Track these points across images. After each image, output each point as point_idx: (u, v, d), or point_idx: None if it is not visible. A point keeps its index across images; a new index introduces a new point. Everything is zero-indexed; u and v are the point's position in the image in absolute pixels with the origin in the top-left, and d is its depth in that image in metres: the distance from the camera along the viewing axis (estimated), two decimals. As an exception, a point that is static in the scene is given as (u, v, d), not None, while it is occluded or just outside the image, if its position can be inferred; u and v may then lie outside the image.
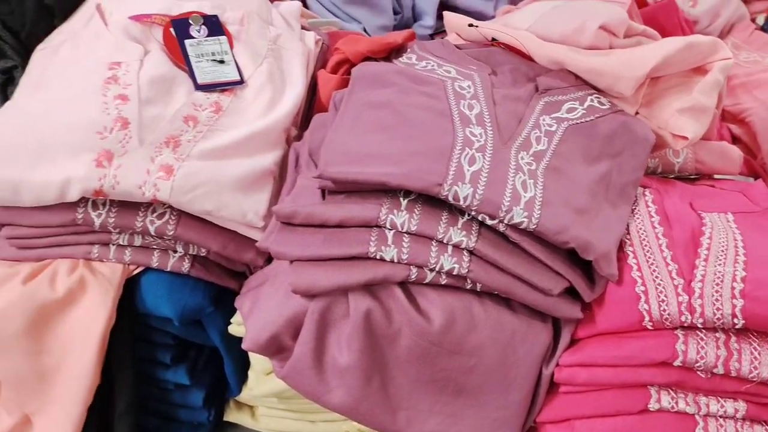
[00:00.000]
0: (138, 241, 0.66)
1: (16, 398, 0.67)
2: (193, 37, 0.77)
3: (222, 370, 0.73)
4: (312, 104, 0.81)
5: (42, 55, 0.78)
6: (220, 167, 0.66)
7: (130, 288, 0.67)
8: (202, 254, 0.68)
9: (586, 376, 0.63)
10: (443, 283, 0.62)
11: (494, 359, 0.63)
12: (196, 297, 0.68)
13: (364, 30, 1.01)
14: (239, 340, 0.70)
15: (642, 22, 0.90)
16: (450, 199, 0.59)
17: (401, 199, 0.62)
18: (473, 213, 0.60)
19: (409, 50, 0.83)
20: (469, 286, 0.62)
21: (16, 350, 0.64)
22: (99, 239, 0.66)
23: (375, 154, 0.62)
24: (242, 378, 0.74)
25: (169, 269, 0.67)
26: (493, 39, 0.81)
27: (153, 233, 0.65)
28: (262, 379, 0.72)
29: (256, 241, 0.68)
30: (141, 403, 0.69)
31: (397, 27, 1.04)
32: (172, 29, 0.76)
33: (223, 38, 0.77)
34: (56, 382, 0.65)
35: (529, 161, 0.65)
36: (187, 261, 0.68)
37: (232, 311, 0.70)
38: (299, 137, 0.77)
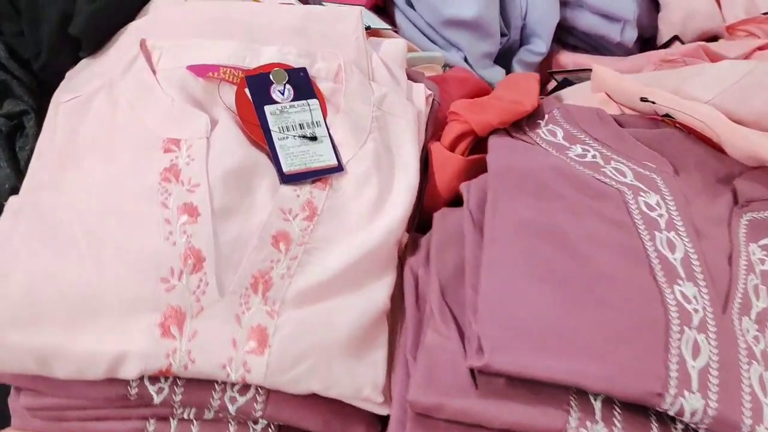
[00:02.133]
0: (209, 414, 0.48)
1: None
2: (276, 102, 0.56)
3: None
4: (422, 190, 0.61)
5: (68, 111, 0.56)
6: (325, 322, 0.48)
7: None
8: (291, 423, 0.50)
9: None
10: None
11: None
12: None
13: (465, 60, 0.79)
14: None
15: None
16: (672, 413, 0.42)
17: (593, 400, 0.44)
18: (699, 429, 0.43)
19: (547, 117, 0.63)
20: None
21: None
22: (156, 413, 0.47)
23: (558, 334, 0.44)
24: None
25: (249, 446, 0.49)
26: (666, 114, 0.61)
27: (233, 413, 0.47)
28: None
29: (367, 412, 0.50)
30: None
31: (499, 52, 0.83)
32: (247, 90, 0.56)
33: (315, 103, 0.57)
34: None
35: (755, 334, 0.47)
36: (272, 432, 0.50)
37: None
38: (412, 246, 0.57)
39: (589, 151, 0.58)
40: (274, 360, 0.45)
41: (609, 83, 0.64)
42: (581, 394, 0.44)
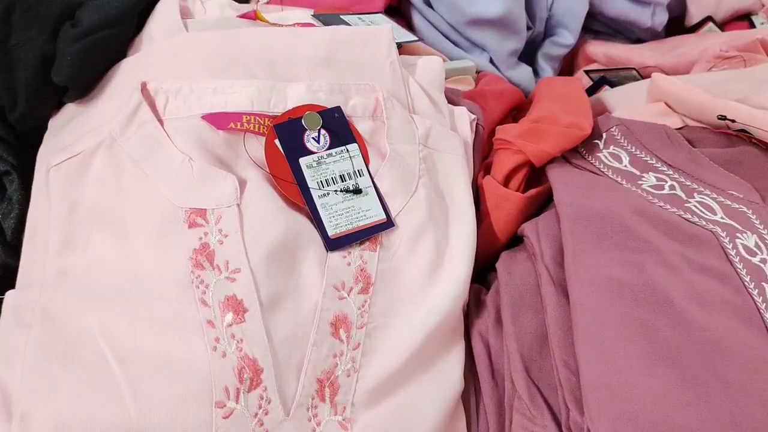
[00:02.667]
0: None
1: None
2: (311, 152, 0.48)
3: None
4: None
5: (61, 178, 0.47)
6: (403, 422, 0.41)
7: None
8: None
9: None
10: None
11: None
12: None
13: (491, 61, 0.72)
14: None
15: None
16: None
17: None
18: None
19: (605, 137, 0.57)
20: None
21: None
22: None
23: (684, 427, 0.38)
24: None
25: None
26: (741, 129, 0.55)
27: None
28: None
29: None
30: None
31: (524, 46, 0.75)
32: (277, 141, 0.48)
33: (354, 148, 0.49)
34: None
35: None
36: None
37: None
38: (476, 304, 0.51)
39: (665, 181, 0.52)
40: None
41: (673, 94, 0.58)
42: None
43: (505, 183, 0.54)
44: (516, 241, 0.55)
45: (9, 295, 0.45)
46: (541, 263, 0.48)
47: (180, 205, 0.44)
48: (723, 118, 0.54)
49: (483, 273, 0.54)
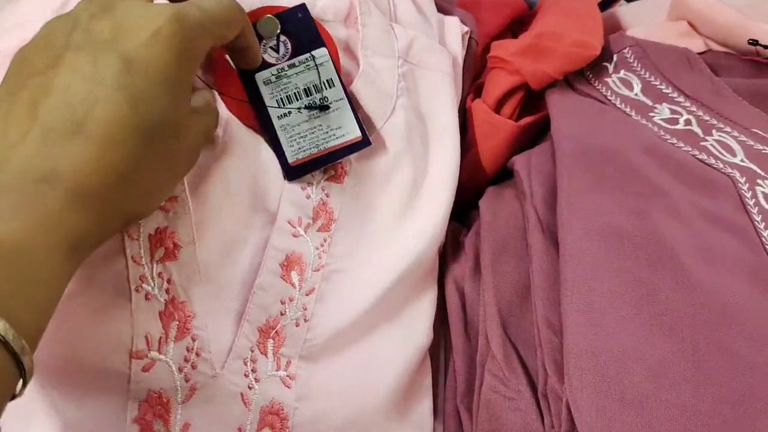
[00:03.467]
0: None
1: None
2: (270, 65, 0.41)
3: None
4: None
5: None
6: (359, 382, 0.37)
7: None
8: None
9: None
10: None
11: None
12: None
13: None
14: None
15: None
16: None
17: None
18: None
19: (616, 58, 0.50)
20: None
21: None
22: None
23: (680, 407, 0.33)
24: None
25: None
26: (773, 56, 0.48)
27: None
28: None
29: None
30: None
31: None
32: (228, 56, 0.40)
33: (323, 53, 0.42)
34: None
35: None
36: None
37: None
38: (453, 245, 0.45)
39: (680, 115, 0.45)
40: None
41: (699, 11, 0.50)
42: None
43: (497, 108, 0.48)
44: (504, 175, 0.49)
45: None
46: (530, 204, 0.42)
47: None
48: (754, 43, 0.46)
49: (464, 210, 0.48)
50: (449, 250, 0.45)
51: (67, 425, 0.31)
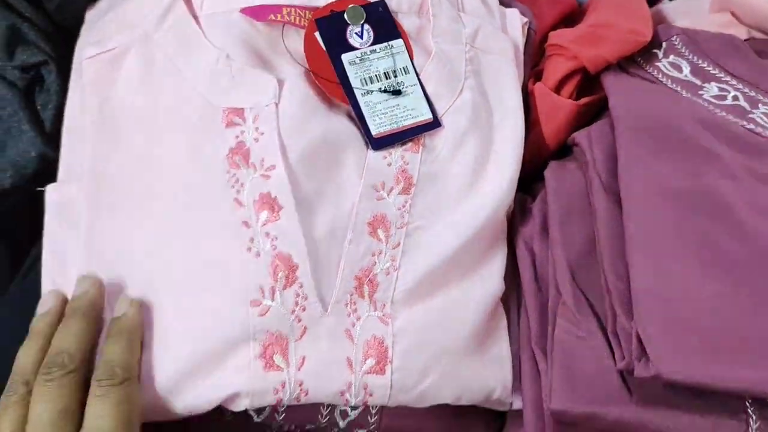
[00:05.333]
0: (311, 425, 0.43)
1: None
2: (354, 48, 0.47)
3: None
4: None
5: (95, 71, 0.47)
6: (444, 321, 0.42)
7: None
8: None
9: None
10: None
11: None
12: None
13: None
14: None
15: None
16: None
17: (774, 404, 0.38)
18: None
19: (665, 45, 0.55)
20: None
21: None
22: (253, 429, 0.42)
23: (737, 334, 0.38)
24: None
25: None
26: (813, 39, 0.52)
27: (343, 427, 0.41)
28: None
29: (487, 410, 0.45)
30: None
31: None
32: (317, 34, 0.47)
33: (399, 44, 0.48)
34: None
35: None
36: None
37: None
38: (521, 212, 0.50)
39: (728, 92, 0.50)
40: (398, 378, 0.39)
41: (739, 1, 0.55)
42: (759, 401, 0.38)
43: (557, 90, 0.53)
44: (564, 154, 0.54)
45: (50, 188, 0.45)
46: (592, 170, 0.47)
47: (217, 105, 0.44)
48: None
49: (529, 184, 0.53)
50: (518, 216, 0.50)
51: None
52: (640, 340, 0.38)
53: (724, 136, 0.46)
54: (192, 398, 0.38)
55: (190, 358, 0.38)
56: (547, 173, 0.50)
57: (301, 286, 0.39)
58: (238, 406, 0.38)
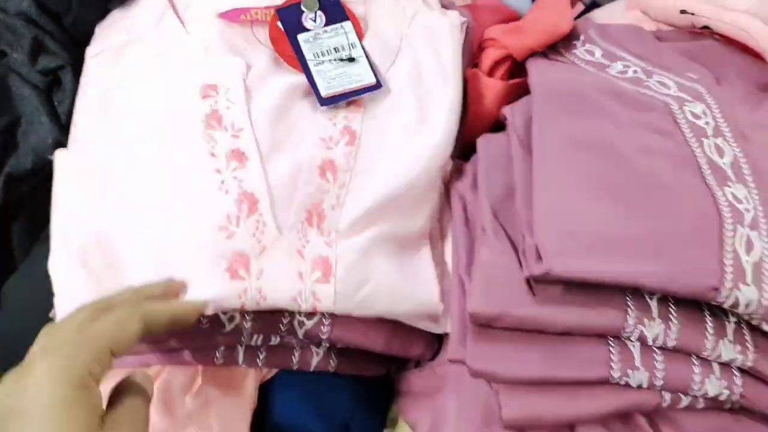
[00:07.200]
0: (275, 339, 0.52)
1: None
2: (308, 29, 0.59)
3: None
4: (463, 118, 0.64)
5: (99, 64, 0.60)
6: (377, 241, 0.51)
7: (263, 396, 0.54)
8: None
9: None
10: (700, 407, 0.48)
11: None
12: (345, 401, 0.55)
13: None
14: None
15: None
16: (727, 306, 0.45)
17: (649, 299, 0.47)
18: (755, 322, 0.46)
19: (583, 37, 0.65)
20: (728, 406, 0.49)
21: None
22: (225, 341, 0.51)
23: (616, 237, 0.47)
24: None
25: (312, 370, 0.53)
26: (704, 26, 0.63)
27: (301, 336, 0.50)
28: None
29: (425, 331, 0.54)
30: None
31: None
32: (279, 22, 0.58)
33: (348, 25, 0.59)
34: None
35: (806, 232, 0.49)
36: (333, 358, 0.53)
37: (382, 407, 0.57)
38: (457, 170, 0.60)
39: (630, 67, 0.60)
40: (340, 287, 0.49)
41: (646, 1, 0.66)
42: (637, 295, 0.47)
43: (490, 74, 0.64)
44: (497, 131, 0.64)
45: (58, 153, 0.57)
46: (512, 131, 0.57)
47: (196, 83, 0.55)
48: (684, 12, 0.62)
49: (467, 157, 0.63)
50: (454, 174, 0.60)
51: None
52: (537, 250, 0.47)
53: (618, 98, 0.56)
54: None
55: (171, 267, 0.47)
56: (479, 140, 0.60)
57: (261, 215, 0.49)
58: (210, 311, 0.47)
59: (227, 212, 0.49)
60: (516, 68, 0.65)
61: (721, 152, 0.52)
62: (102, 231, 0.51)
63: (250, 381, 0.52)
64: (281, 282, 0.48)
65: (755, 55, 0.61)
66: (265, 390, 0.54)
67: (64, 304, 0.49)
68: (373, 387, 0.57)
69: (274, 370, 0.54)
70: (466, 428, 0.49)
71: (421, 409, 0.54)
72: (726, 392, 0.46)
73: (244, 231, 0.49)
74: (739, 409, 0.49)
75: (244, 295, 0.47)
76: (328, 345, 0.53)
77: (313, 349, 0.53)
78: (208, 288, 0.47)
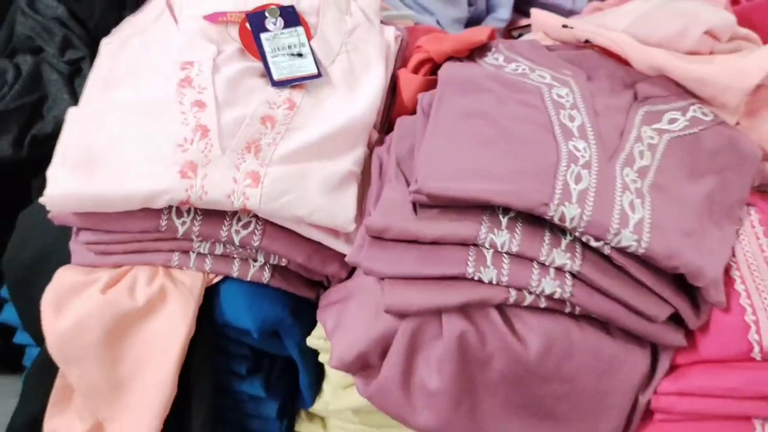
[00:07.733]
0: (219, 249, 0.67)
1: (90, 406, 0.68)
2: (269, 30, 0.76)
3: (295, 381, 0.74)
4: (392, 106, 0.81)
5: (109, 49, 0.78)
6: (304, 170, 0.67)
7: (209, 298, 0.68)
8: (282, 264, 0.69)
9: (686, 405, 0.63)
10: (542, 306, 0.61)
11: (589, 386, 0.63)
12: (275, 308, 0.68)
13: (438, 23, 0.99)
14: (315, 352, 0.71)
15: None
16: (556, 219, 0.59)
17: (501, 216, 0.61)
18: (578, 234, 0.60)
19: (494, 49, 0.82)
20: (567, 310, 0.62)
21: (92, 359, 0.65)
22: (180, 247, 0.66)
23: (477, 170, 0.62)
24: (316, 390, 0.75)
25: (249, 279, 0.68)
26: (586, 41, 0.79)
27: (237, 243, 0.65)
28: (340, 393, 0.72)
29: (340, 253, 0.68)
30: (217, 415, 0.70)
31: (469, 19, 1.03)
32: (248, 24, 0.76)
33: (300, 29, 0.77)
34: (133, 392, 0.66)
35: (634, 178, 0.64)
36: (267, 271, 0.68)
37: (308, 322, 0.71)
38: (381, 141, 0.76)
39: (520, 66, 0.77)
40: (267, 192, 0.64)
41: (542, 21, 0.84)
42: (492, 214, 0.61)
43: (415, 72, 0.80)
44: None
45: (71, 109, 0.74)
46: (419, 107, 0.73)
47: (178, 59, 0.73)
48: (566, 26, 0.79)
49: (395, 135, 0.79)
50: (377, 143, 0.75)
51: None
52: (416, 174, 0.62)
53: (501, 83, 0.72)
54: (134, 184, 0.63)
55: (139, 170, 0.64)
56: (397, 119, 0.76)
57: (210, 140, 0.66)
58: (162, 202, 0.63)
59: (185, 136, 0.66)
60: (436, 69, 0.82)
61: (572, 119, 0.67)
62: (91, 146, 0.67)
63: (197, 282, 0.67)
64: (219, 183, 0.64)
65: (625, 62, 0.77)
66: (210, 293, 0.68)
67: (51, 191, 0.65)
68: (303, 304, 0.71)
69: (219, 277, 0.68)
70: (363, 318, 0.63)
71: (333, 312, 0.68)
72: (558, 290, 0.60)
73: (196, 148, 0.65)
74: (581, 316, 0.63)
75: (190, 190, 0.63)
76: (264, 260, 0.68)
77: (251, 262, 0.68)
78: (162, 182, 0.63)
